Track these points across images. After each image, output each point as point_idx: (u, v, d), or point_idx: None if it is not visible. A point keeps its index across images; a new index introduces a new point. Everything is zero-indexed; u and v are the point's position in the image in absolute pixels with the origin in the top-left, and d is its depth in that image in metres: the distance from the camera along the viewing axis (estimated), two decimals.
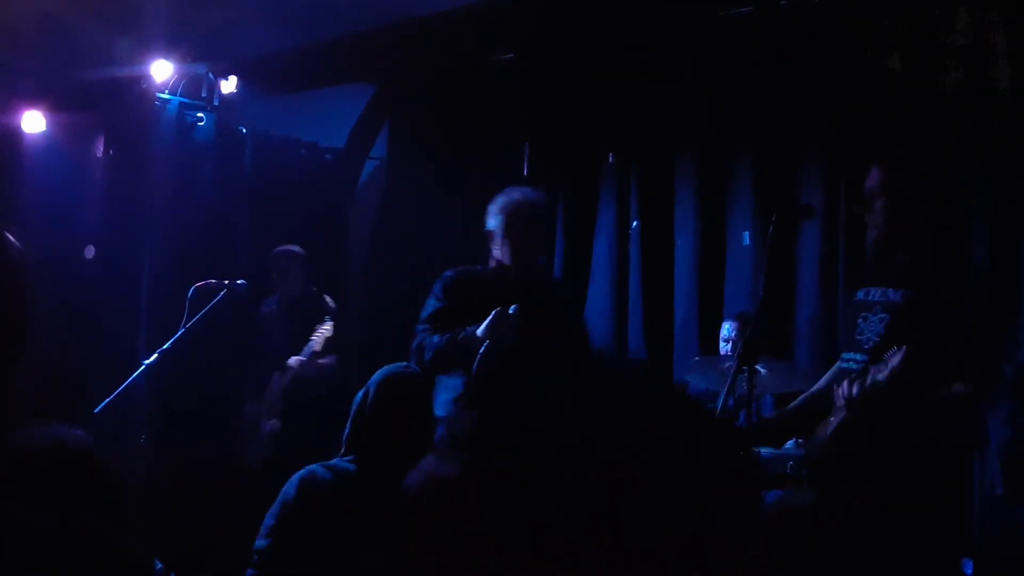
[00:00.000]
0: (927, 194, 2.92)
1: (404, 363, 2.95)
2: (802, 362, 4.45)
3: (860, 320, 2.85)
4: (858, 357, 2.81)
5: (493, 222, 3.43)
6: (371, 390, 2.76)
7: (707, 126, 5.11)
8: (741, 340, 4.42)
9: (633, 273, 5.35)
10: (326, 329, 5.06)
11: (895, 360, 2.53)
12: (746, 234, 4.88)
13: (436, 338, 3.40)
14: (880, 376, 2.55)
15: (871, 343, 2.77)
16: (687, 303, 5.09)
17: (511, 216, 3.35)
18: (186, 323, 4.12)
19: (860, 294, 2.90)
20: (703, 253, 5.06)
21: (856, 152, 4.38)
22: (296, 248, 5.50)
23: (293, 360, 5.03)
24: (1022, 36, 4.01)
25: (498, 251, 3.42)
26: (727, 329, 4.65)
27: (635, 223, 5.37)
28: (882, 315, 2.77)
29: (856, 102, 4.46)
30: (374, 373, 3.38)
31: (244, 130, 6.46)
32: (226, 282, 4.54)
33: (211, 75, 6.20)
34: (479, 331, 3.26)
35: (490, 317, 3.22)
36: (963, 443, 3.31)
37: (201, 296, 4.39)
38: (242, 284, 4.70)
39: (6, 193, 5.68)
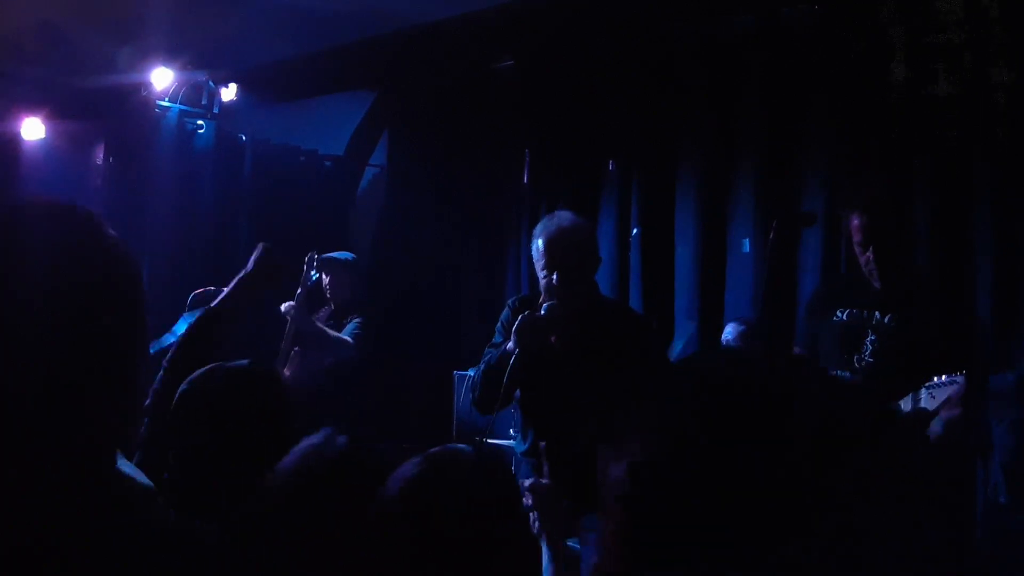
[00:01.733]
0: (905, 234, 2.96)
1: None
2: None
3: (844, 341, 2.85)
4: (848, 376, 2.81)
5: (533, 247, 3.21)
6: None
7: (708, 133, 5.11)
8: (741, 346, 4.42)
9: (634, 280, 5.34)
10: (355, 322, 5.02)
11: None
12: (746, 241, 4.87)
13: (482, 366, 3.21)
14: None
15: (863, 364, 2.77)
16: (687, 310, 5.08)
17: (550, 242, 3.12)
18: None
19: (840, 314, 2.89)
20: (704, 260, 5.05)
21: (858, 160, 4.38)
22: (345, 255, 5.34)
23: (285, 306, 4.87)
24: (1020, 44, 4.01)
25: (542, 278, 3.17)
26: (728, 333, 4.63)
27: (636, 230, 5.36)
28: (871, 336, 2.78)
29: (857, 110, 4.46)
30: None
31: (244, 138, 6.46)
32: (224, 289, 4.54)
33: (211, 83, 6.20)
34: (509, 343, 3.08)
35: (517, 321, 3.06)
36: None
37: (200, 303, 4.38)
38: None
39: (5, 201, 5.66)
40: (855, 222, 2.88)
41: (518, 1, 5.05)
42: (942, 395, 2.53)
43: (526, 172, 5.88)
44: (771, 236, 2.76)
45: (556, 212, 3.27)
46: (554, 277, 3.04)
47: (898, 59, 4.35)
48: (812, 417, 0.85)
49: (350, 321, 5.07)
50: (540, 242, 3.12)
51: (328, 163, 6.84)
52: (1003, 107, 4.04)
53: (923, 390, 2.56)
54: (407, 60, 5.91)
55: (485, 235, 6.13)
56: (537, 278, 3.19)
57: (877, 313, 2.81)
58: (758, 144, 4.90)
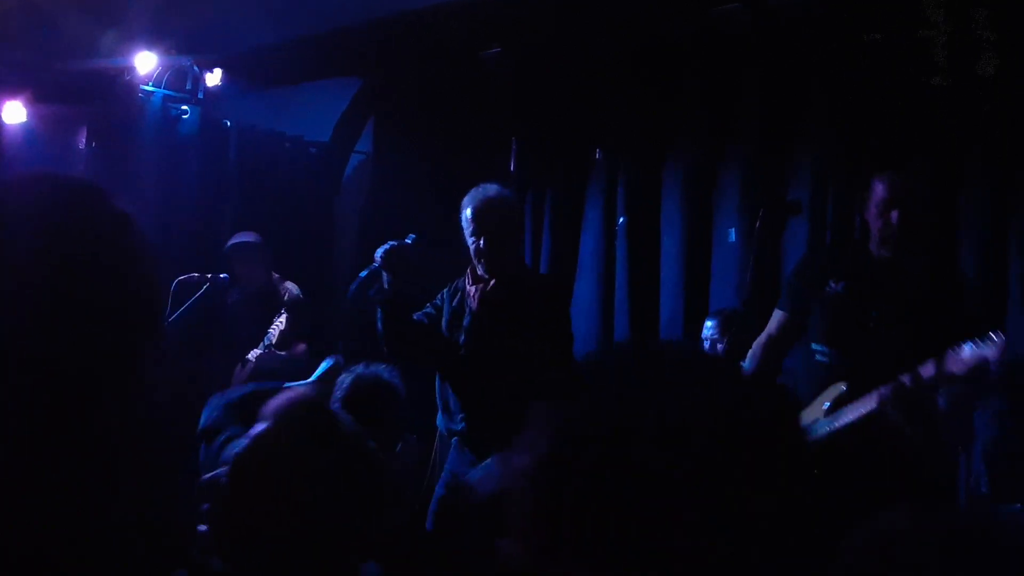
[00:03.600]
0: (929, 200, 2.94)
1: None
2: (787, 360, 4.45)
3: (842, 313, 2.82)
4: (840, 351, 2.79)
5: (462, 216, 3.44)
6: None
7: (694, 123, 5.11)
8: (724, 338, 4.43)
9: (620, 269, 5.34)
10: (280, 322, 4.86)
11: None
12: (732, 231, 4.88)
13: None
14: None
15: (863, 339, 2.75)
16: (673, 300, 5.09)
17: (477, 210, 3.36)
18: (169, 316, 4.09)
19: (835, 286, 2.86)
20: (690, 250, 5.06)
21: (844, 149, 4.39)
22: (252, 237, 5.27)
23: (252, 354, 4.86)
24: (1011, 38, 4.02)
25: (471, 243, 3.40)
26: (708, 328, 4.63)
27: (622, 219, 5.36)
28: (873, 312, 2.75)
29: (844, 99, 4.47)
30: (359, 365, 3.32)
31: (229, 123, 6.42)
32: (209, 276, 4.52)
33: (196, 68, 6.15)
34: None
35: (384, 247, 3.32)
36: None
37: (184, 289, 4.36)
38: (225, 278, 4.67)
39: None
40: (880, 185, 2.85)
41: None
42: (974, 357, 2.50)
43: (513, 160, 5.86)
44: (757, 224, 2.75)
45: (483, 184, 3.47)
46: (481, 242, 3.27)
47: (888, 50, 4.36)
48: (718, 417, 0.85)
49: (272, 306, 4.97)
50: (468, 211, 3.36)
51: (313, 149, 6.81)
52: (995, 100, 4.06)
53: (950, 352, 2.53)
54: (393, 46, 5.88)
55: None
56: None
57: (880, 288, 2.78)
58: (744, 134, 4.91)
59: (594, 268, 5.47)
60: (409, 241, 3.48)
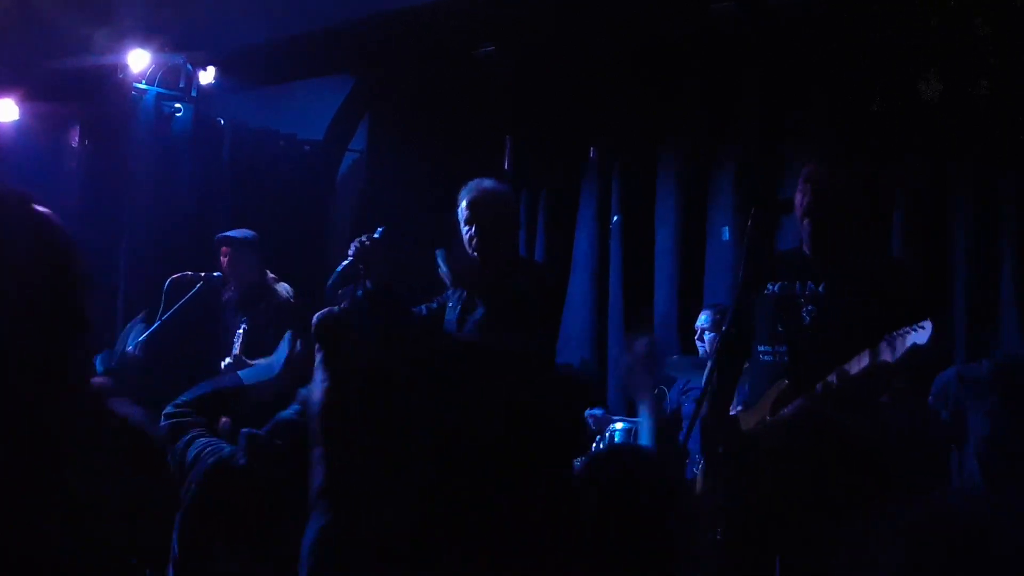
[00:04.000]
0: (859, 191, 2.90)
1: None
2: None
3: (779, 313, 2.83)
4: (783, 349, 2.80)
5: (459, 209, 3.51)
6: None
7: (688, 122, 5.12)
8: (714, 332, 4.44)
9: (614, 267, 5.35)
10: (242, 331, 4.60)
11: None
12: (726, 229, 4.89)
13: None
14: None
15: (799, 334, 2.76)
16: (667, 297, 5.09)
17: (473, 203, 3.44)
18: (163, 315, 4.08)
19: (772, 287, 2.86)
20: (683, 248, 5.07)
21: (837, 148, 4.39)
22: (242, 233, 5.03)
23: (223, 365, 4.59)
24: (1000, 42, 4.03)
25: (465, 234, 3.48)
26: (701, 320, 4.65)
27: (616, 217, 5.37)
28: (808, 307, 2.76)
29: (837, 99, 4.48)
30: None
31: (222, 121, 6.41)
32: (202, 274, 4.50)
33: (189, 66, 6.13)
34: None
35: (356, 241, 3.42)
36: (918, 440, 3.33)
37: (177, 288, 4.35)
38: (218, 276, 4.66)
39: None
40: (799, 186, 2.85)
41: None
42: (902, 345, 2.50)
43: (507, 159, 5.86)
44: (749, 223, 2.75)
45: (480, 179, 3.56)
46: (473, 229, 3.37)
47: (881, 52, 4.36)
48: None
49: (264, 306, 4.78)
50: (464, 202, 3.43)
51: (307, 147, 6.79)
52: (983, 103, 4.07)
53: (882, 342, 2.54)
54: (388, 45, 5.87)
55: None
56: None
57: (811, 283, 2.79)
58: (738, 133, 4.91)
59: (588, 266, 5.47)
60: (377, 235, 3.55)
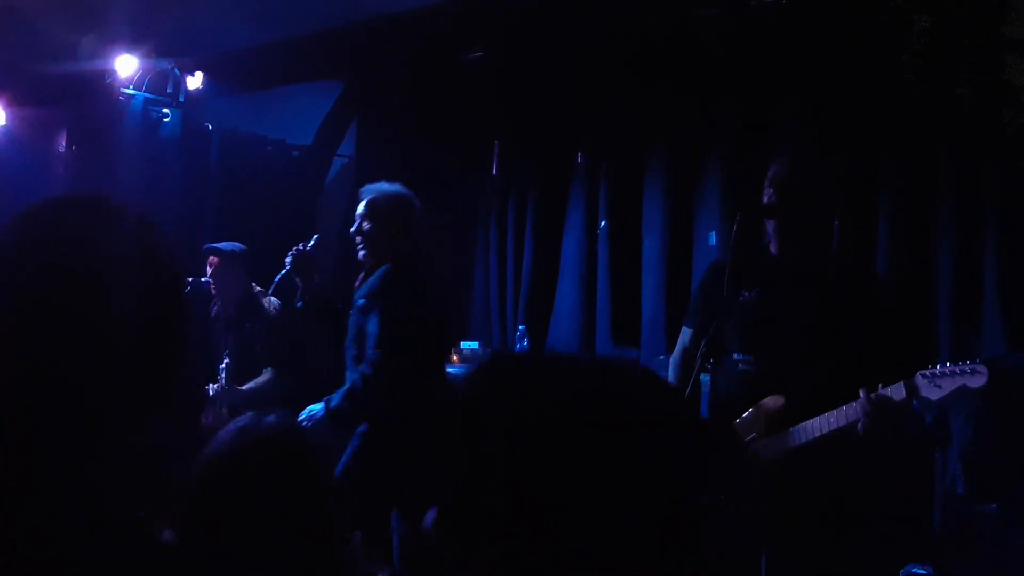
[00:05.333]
0: (832, 192, 2.87)
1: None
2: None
3: (754, 320, 2.80)
4: (756, 359, 2.77)
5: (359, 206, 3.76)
6: None
7: (676, 127, 5.13)
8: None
9: (601, 272, 5.36)
10: (224, 364, 4.49)
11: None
12: (712, 234, 4.90)
13: None
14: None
15: (775, 344, 2.73)
16: (655, 302, 5.10)
17: (371, 201, 3.73)
18: None
19: (748, 294, 2.83)
20: (670, 253, 5.08)
21: (814, 148, 4.41)
22: (231, 246, 4.83)
23: (210, 387, 4.49)
24: (984, 42, 4.06)
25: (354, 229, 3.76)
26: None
27: (603, 222, 5.38)
28: (784, 316, 2.73)
29: (824, 103, 4.50)
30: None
31: (211, 127, 6.40)
32: (190, 280, 4.48)
33: (177, 71, 6.13)
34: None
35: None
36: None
37: None
38: (206, 282, 4.64)
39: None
40: (765, 187, 2.82)
41: None
42: (951, 384, 2.46)
43: (495, 163, 5.87)
44: (734, 228, 2.75)
45: (382, 181, 3.85)
46: (364, 226, 3.67)
47: (866, 52, 4.39)
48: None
49: (252, 321, 4.62)
50: (363, 203, 3.74)
51: (296, 153, 6.79)
52: (968, 102, 4.09)
53: (919, 376, 2.50)
54: (376, 49, 5.88)
55: (454, 226, 6.12)
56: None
57: (787, 293, 2.75)
58: (725, 138, 4.93)
59: (576, 271, 5.48)
60: (312, 243, 3.82)
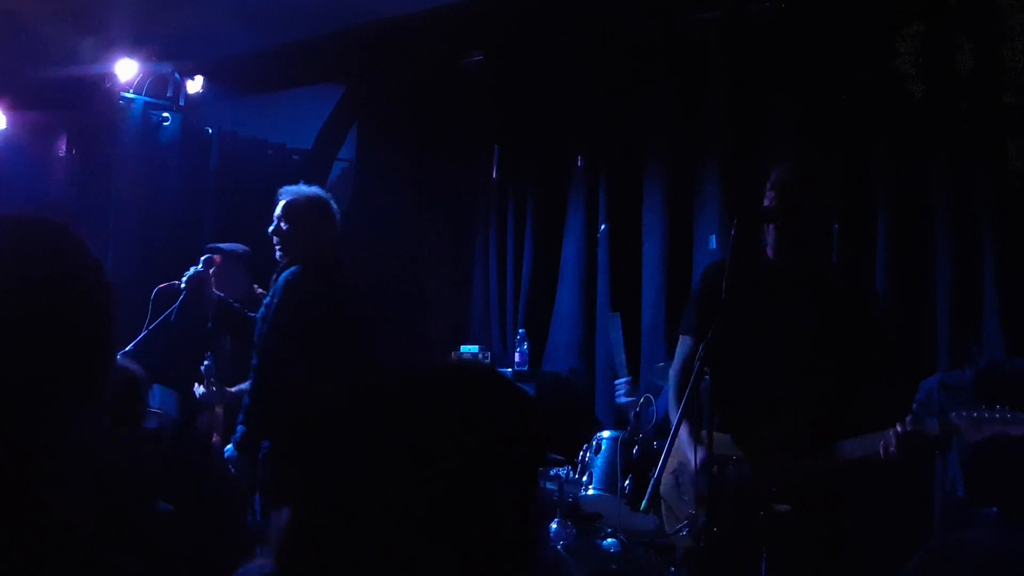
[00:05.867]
0: (832, 197, 2.88)
1: None
2: None
3: (749, 325, 2.78)
4: (755, 366, 2.77)
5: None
6: None
7: (675, 131, 5.13)
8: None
9: (601, 276, 5.35)
10: (207, 365, 4.47)
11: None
12: (713, 238, 4.90)
13: None
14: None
15: (764, 354, 2.72)
16: (655, 307, 5.10)
17: (286, 204, 3.83)
18: (149, 324, 4.07)
19: (744, 299, 2.82)
20: (671, 257, 5.07)
21: (812, 153, 4.41)
22: (236, 247, 4.89)
23: (197, 389, 4.48)
24: (979, 48, 4.06)
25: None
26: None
27: (603, 226, 5.37)
28: (776, 325, 2.73)
29: (821, 107, 4.50)
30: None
31: (210, 131, 6.40)
32: (160, 286, 4.45)
33: (177, 75, 6.13)
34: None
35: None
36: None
37: (162, 298, 4.33)
38: (176, 284, 4.60)
39: None
40: (766, 191, 2.81)
41: None
42: (990, 429, 2.46)
43: (495, 167, 5.87)
44: (732, 232, 2.75)
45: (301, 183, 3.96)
46: (280, 226, 3.78)
47: (862, 57, 4.39)
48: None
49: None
50: (280, 203, 3.85)
51: (296, 157, 6.79)
52: (964, 105, 4.10)
53: (952, 414, 2.51)
54: (376, 54, 5.89)
55: (454, 230, 6.12)
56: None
57: (780, 302, 2.75)
58: (725, 141, 4.93)
59: (575, 275, 5.48)
60: (201, 264, 4.01)
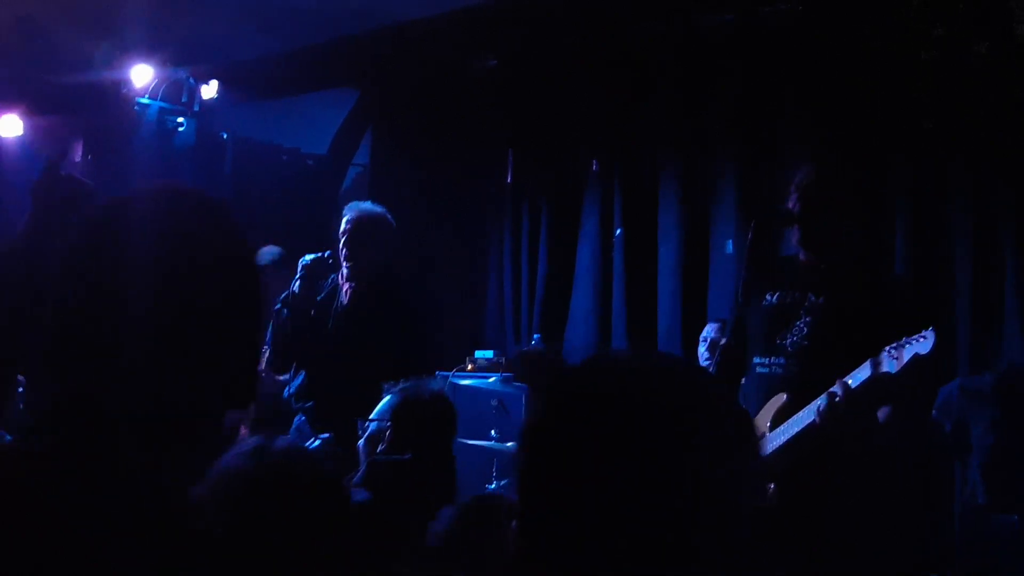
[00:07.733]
0: (855, 198, 2.87)
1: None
2: None
3: (776, 324, 2.79)
4: (780, 361, 2.76)
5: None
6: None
7: (691, 134, 5.11)
8: (719, 343, 4.41)
9: (616, 280, 5.33)
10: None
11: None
12: (729, 242, 4.87)
13: None
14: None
15: (797, 346, 2.72)
16: (670, 311, 5.07)
17: (350, 220, 3.82)
18: None
19: (770, 298, 2.83)
20: (686, 261, 5.05)
21: (832, 154, 4.39)
22: (274, 252, 4.99)
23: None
24: (993, 48, 4.03)
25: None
26: (707, 330, 4.63)
27: (619, 231, 5.35)
28: (806, 318, 2.73)
29: (839, 110, 4.47)
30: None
31: (225, 135, 6.42)
32: None
33: (192, 80, 6.15)
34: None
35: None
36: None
37: None
38: None
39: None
40: (790, 193, 2.81)
41: (501, 0, 5.04)
42: (906, 354, 2.46)
43: (509, 172, 5.86)
44: (749, 235, 2.73)
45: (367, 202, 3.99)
46: (343, 248, 3.78)
47: (878, 58, 4.36)
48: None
49: None
50: (345, 219, 3.84)
51: (311, 162, 6.80)
52: (981, 106, 4.06)
53: (884, 352, 2.50)
54: (390, 58, 5.89)
55: (468, 234, 6.12)
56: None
57: (811, 295, 2.75)
58: (740, 144, 4.90)
59: (591, 279, 5.46)
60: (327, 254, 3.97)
